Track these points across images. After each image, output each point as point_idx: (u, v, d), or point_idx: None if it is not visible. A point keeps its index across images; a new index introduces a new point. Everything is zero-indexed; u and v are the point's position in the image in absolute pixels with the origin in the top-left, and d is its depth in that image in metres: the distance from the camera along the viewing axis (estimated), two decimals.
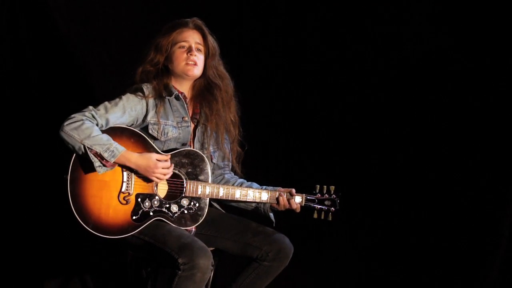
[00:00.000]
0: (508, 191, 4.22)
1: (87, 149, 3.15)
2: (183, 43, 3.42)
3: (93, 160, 3.15)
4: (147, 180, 3.29)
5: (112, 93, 3.43)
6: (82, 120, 3.18)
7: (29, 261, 4.11)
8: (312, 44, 4.56)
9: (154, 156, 3.26)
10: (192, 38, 3.43)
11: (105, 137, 3.19)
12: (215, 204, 3.58)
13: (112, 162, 3.18)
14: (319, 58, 4.56)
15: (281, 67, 4.60)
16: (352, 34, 4.49)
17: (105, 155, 3.15)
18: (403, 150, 4.42)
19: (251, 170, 3.61)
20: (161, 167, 3.25)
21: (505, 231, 4.23)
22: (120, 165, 3.24)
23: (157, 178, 3.26)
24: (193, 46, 3.42)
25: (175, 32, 3.43)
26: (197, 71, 3.43)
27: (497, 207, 4.23)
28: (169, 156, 3.31)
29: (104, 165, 3.17)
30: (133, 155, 3.24)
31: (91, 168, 3.18)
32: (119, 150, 3.19)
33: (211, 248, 3.34)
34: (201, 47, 3.45)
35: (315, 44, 4.56)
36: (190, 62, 3.40)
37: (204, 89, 3.49)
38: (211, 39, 3.47)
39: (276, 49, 4.59)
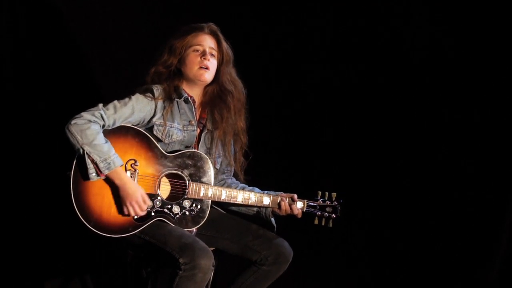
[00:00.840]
0: (508, 191, 4.23)
1: (85, 154, 3.15)
2: (197, 47, 3.42)
3: (88, 166, 3.16)
4: (149, 181, 3.30)
5: (113, 93, 3.44)
6: (90, 122, 3.19)
7: (29, 261, 4.10)
8: (313, 48, 4.55)
9: (143, 192, 3.25)
10: (207, 42, 3.44)
11: (106, 147, 3.19)
12: (218, 209, 3.59)
13: (105, 174, 3.19)
14: (319, 63, 4.55)
15: (282, 72, 4.58)
16: (352, 34, 4.49)
17: (101, 165, 3.16)
18: (403, 150, 4.42)
19: (253, 175, 3.61)
20: (140, 203, 3.24)
21: (505, 231, 4.24)
22: (109, 178, 3.23)
23: (129, 209, 3.23)
24: (207, 50, 3.42)
25: (190, 36, 3.43)
26: (209, 76, 3.44)
27: (497, 207, 4.24)
28: (150, 204, 3.29)
29: (97, 174, 3.19)
30: (126, 177, 3.24)
31: None
32: (116, 164, 3.20)
33: (212, 248, 3.34)
34: (215, 53, 3.45)
35: (315, 48, 4.55)
36: (203, 67, 3.41)
37: (217, 95, 3.49)
38: (225, 46, 3.48)
39: (277, 55, 4.57)
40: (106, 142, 3.21)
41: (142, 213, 3.26)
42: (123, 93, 3.39)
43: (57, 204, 3.63)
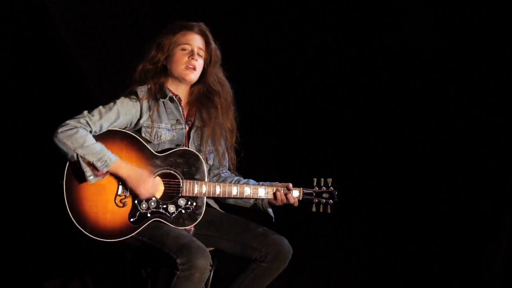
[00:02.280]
0: (508, 191, 4.21)
1: (79, 157, 3.15)
2: (185, 46, 3.41)
3: (84, 170, 3.16)
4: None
5: (113, 94, 3.43)
6: (77, 127, 3.18)
7: (29, 261, 4.11)
8: (307, 39, 4.54)
9: (146, 172, 3.27)
10: (195, 42, 3.42)
11: (99, 146, 3.19)
12: (213, 205, 3.57)
13: (104, 171, 3.18)
14: (313, 52, 4.54)
15: (276, 65, 4.58)
16: (351, 32, 4.48)
17: (98, 164, 3.16)
18: (403, 148, 4.41)
19: (247, 167, 3.61)
20: (150, 183, 3.26)
21: (505, 231, 4.22)
22: (111, 174, 3.23)
23: (143, 193, 3.26)
24: (195, 50, 3.41)
25: (179, 34, 3.42)
26: (194, 76, 3.43)
27: (497, 207, 4.23)
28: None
29: (95, 175, 3.18)
30: (127, 166, 3.24)
31: None
32: (112, 160, 3.19)
33: (210, 249, 3.34)
34: (202, 53, 3.44)
35: (309, 39, 4.54)
36: (190, 66, 3.39)
37: (203, 95, 3.48)
38: (214, 46, 3.46)
39: (271, 46, 4.57)
40: (97, 142, 3.21)
41: (154, 192, 3.28)
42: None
43: (56, 204, 3.63)
